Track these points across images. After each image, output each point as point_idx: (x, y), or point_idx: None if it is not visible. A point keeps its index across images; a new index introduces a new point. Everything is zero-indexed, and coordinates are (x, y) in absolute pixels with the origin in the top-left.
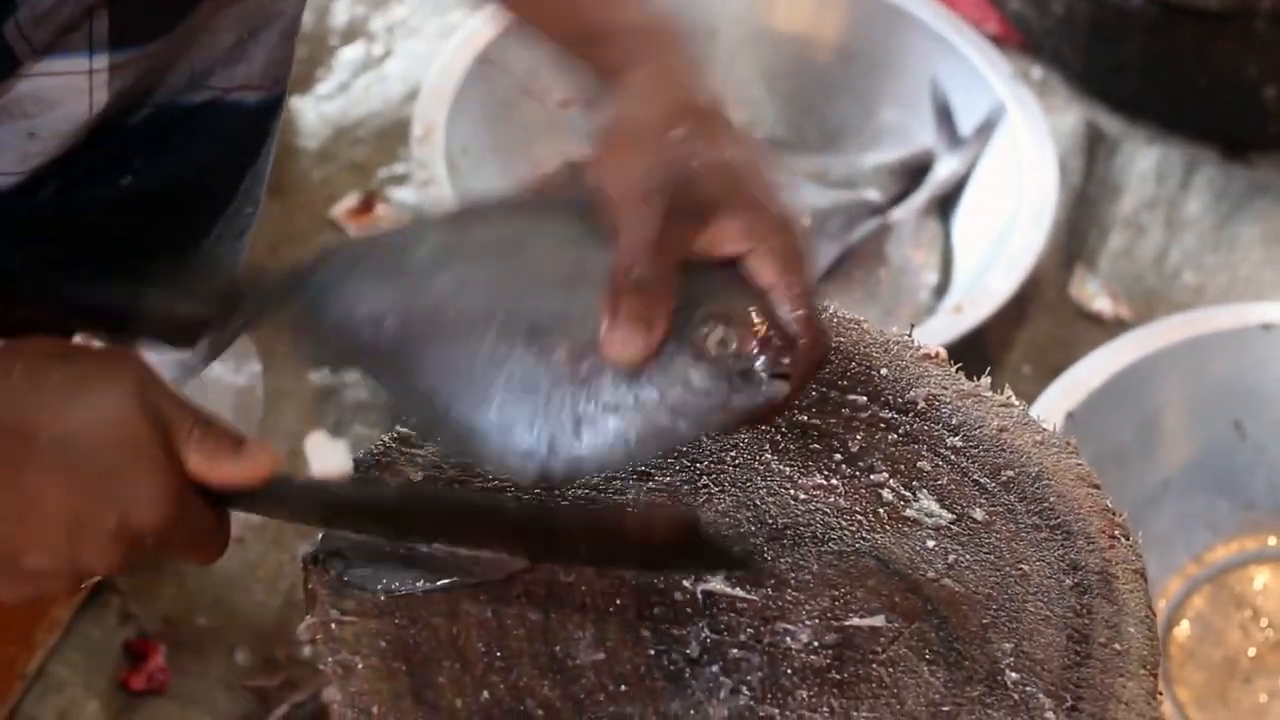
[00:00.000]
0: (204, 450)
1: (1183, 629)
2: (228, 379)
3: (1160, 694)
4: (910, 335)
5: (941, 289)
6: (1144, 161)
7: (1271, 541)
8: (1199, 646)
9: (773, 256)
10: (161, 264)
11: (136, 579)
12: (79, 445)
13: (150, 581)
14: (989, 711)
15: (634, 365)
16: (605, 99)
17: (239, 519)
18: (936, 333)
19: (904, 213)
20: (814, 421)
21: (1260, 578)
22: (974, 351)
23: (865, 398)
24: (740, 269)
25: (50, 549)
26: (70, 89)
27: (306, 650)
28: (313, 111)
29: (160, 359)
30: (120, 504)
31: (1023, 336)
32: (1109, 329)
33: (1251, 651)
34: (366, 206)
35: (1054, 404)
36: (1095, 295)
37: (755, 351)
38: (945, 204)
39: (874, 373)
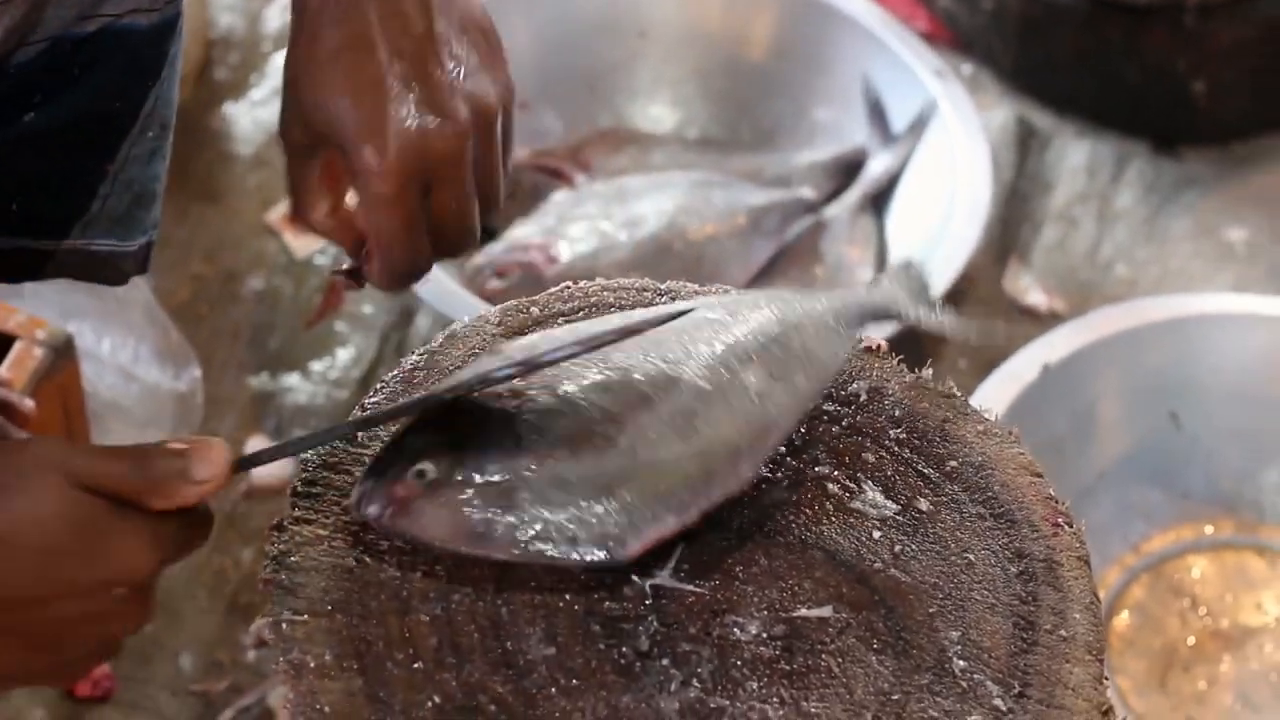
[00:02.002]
0: (158, 491)
1: (1122, 618)
2: (167, 385)
3: (1107, 679)
4: None
5: None
6: (1075, 156)
7: (1208, 530)
8: (1138, 636)
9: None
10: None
11: None
12: (39, 558)
13: None
14: (937, 699)
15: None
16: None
17: None
18: (873, 329)
19: (838, 210)
20: None
21: (1197, 567)
22: (910, 347)
23: None
24: None
25: (84, 643)
26: None
27: (251, 655)
28: (246, 117)
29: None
30: (113, 579)
31: None
32: (1043, 322)
33: (1190, 640)
34: None
35: (990, 397)
36: (1029, 289)
37: None
38: (879, 200)
39: None
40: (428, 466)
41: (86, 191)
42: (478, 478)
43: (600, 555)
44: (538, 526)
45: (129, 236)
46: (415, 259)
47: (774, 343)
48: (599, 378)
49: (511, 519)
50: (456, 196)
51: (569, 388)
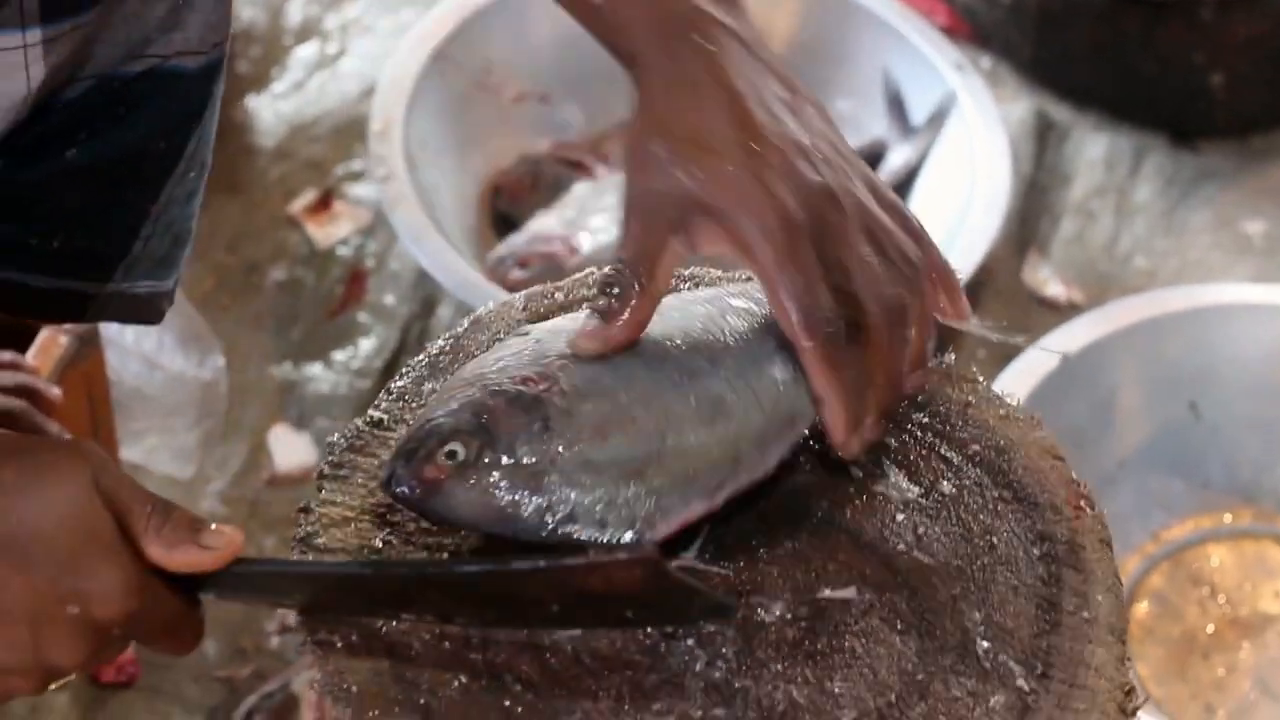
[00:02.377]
0: (163, 537)
1: (1141, 606)
2: (191, 373)
3: (1129, 659)
4: None
5: None
6: (1093, 149)
7: (1227, 519)
8: (1158, 624)
9: (748, 261)
10: (110, 235)
11: None
12: (35, 540)
13: None
14: (961, 680)
15: (591, 351)
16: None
17: (203, 513)
18: None
19: None
20: None
21: (1216, 555)
22: None
23: None
24: None
25: (13, 646)
26: (6, 65)
27: (274, 641)
28: (269, 110)
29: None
30: (81, 597)
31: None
32: (1062, 314)
33: (1209, 628)
34: (324, 203)
35: (1010, 387)
36: (1048, 281)
37: None
38: (899, 192)
39: None
40: (457, 447)
41: (130, 231)
42: (506, 459)
43: (628, 537)
44: (566, 508)
45: (167, 276)
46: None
47: None
48: (628, 362)
49: (540, 500)
50: (841, 257)
51: (598, 372)
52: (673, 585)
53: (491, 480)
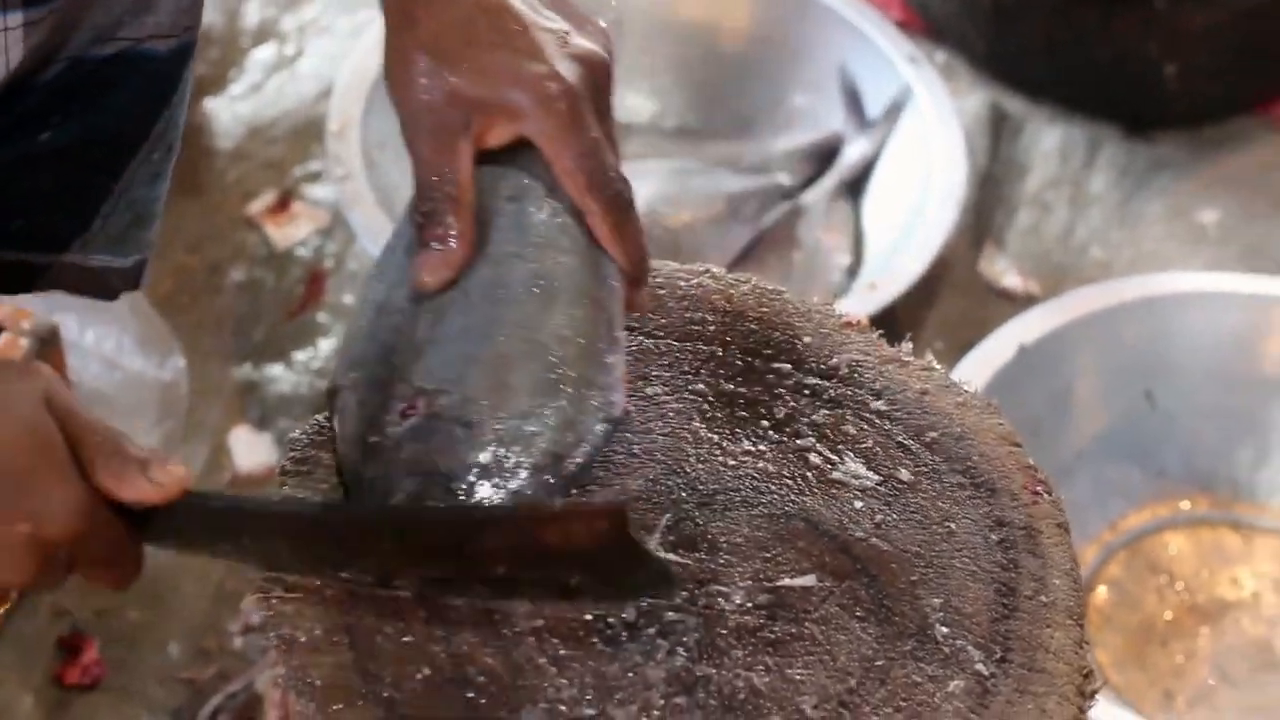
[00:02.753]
0: (112, 466)
1: (1100, 594)
2: (151, 374)
3: (1088, 643)
4: (831, 305)
5: (854, 270)
6: (1048, 141)
7: (1184, 507)
8: (1116, 611)
9: (541, 141)
10: (73, 213)
11: None
12: None
13: (81, 578)
14: (921, 665)
15: (438, 285)
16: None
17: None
18: (852, 311)
19: (815, 196)
20: (740, 389)
21: (1174, 543)
22: (888, 329)
23: (789, 365)
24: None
25: None
26: None
27: (238, 642)
28: (226, 112)
29: (85, 358)
30: (32, 515)
31: (934, 314)
32: (1019, 305)
33: (1168, 615)
34: (283, 204)
35: (967, 377)
36: (1004, 272)
37: None
38: (855, 186)
39: (797, 341)
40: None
41: (91, 209)
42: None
43: (604, 425)
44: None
45: (124, 254)
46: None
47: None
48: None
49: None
50: (609, 132)
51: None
52: (628, 544)
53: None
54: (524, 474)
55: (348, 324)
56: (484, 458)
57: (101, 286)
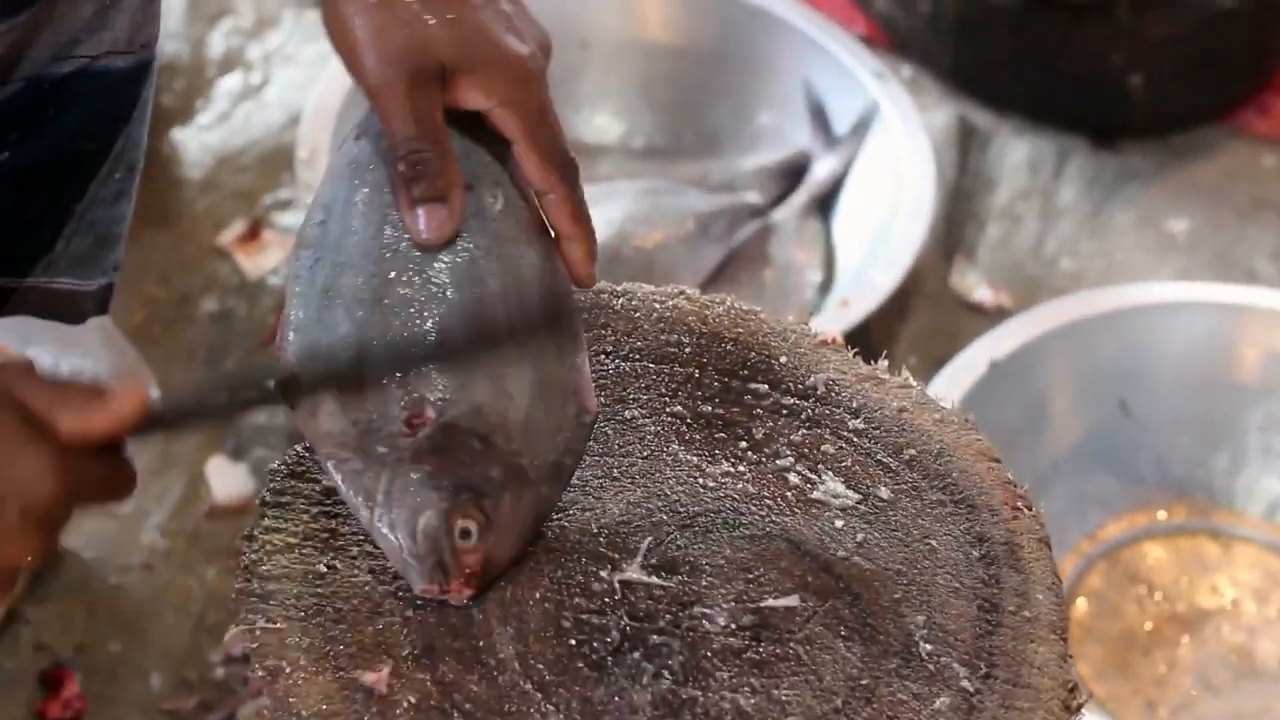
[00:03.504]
0: (71, 413)
1: (1080, 605)
2: None
3: (1071, 656)
4: (807, 324)
5: (825, 286)
6: (1016, 153)
7: (1161, 516)
8: (1096, 622)
9: (512, 113)
10: (32, 234)
11: (45, 609)
12: None
13: (60, 610)
14: (906, 683)
15: (445, 239)
16: None
17: (144, 546)
18: (825, 328)
19: (785, 213)
20: (718, 411)
21: (1153, 553)
22: (860, 345)
23: (766, 385)
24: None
25: None
26: None
27: (220, 672)
28: (194, 142)
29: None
30: (15, 495)
31: (907, 329)
32: (991, 318)
33: (1148, 625)
34: (253, 233)
35: (941, 392)
36: (976, 286)
37: None
38: (825, 203)
39: (774, 361)
40: (470, 526)
41: (52, 230)
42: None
43: (584, 428)
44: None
45: (89, 276)
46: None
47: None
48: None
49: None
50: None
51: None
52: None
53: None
54: (538, 483)
55: (287, 294)
56: (500, 471)
57: (68, 309)
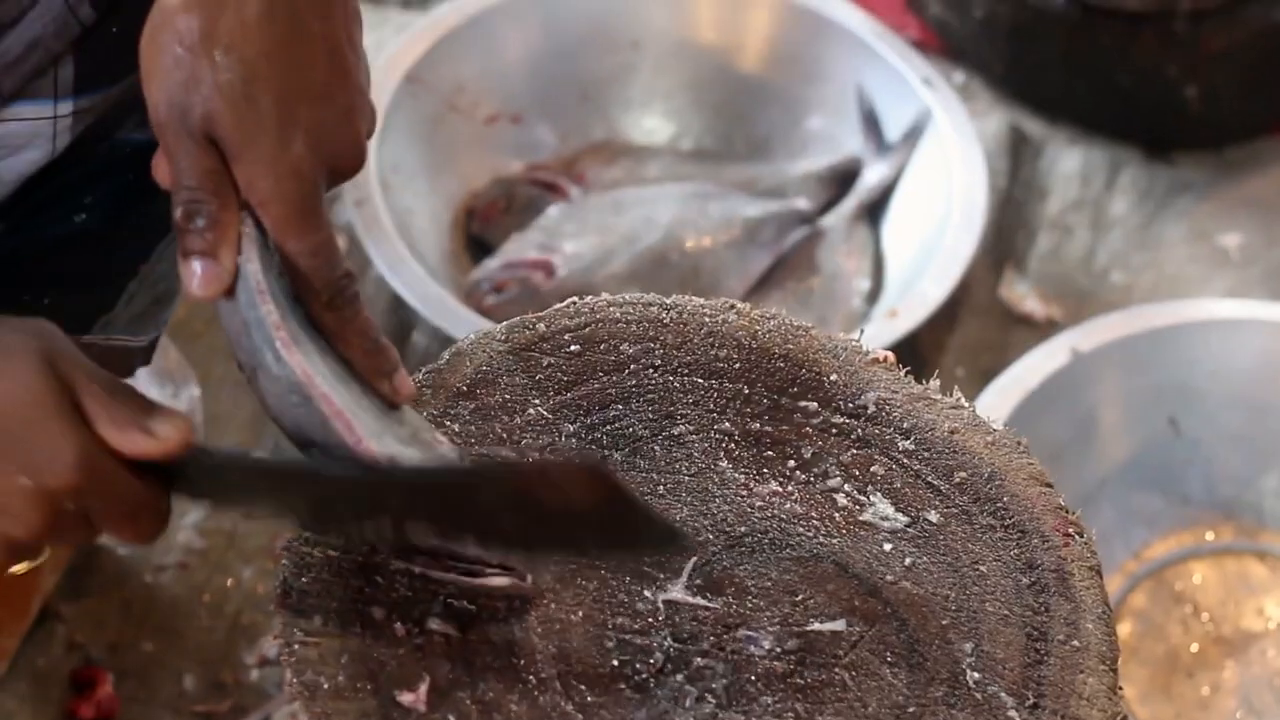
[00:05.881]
0: (113, 418)
1: (1124, 626)
2: (166, 403)
3: (1121, 688)
4: (858, 340)
5: (873, 295)
6: (1068, 163)
7: (1209, 536)
8: (1141, 643)
9: (268, 215)
10: (100, 292)
11: (80, 606)
12: None
13: (95, 609)
14: (952, 712)
15: (212, 298)
16: None
17: (180, 545)
18: (872, 339)
19: (834, 220)
20: (767, 429)
21: (1199, 573)
22: (908, 356)
23: (816, 404)
24: None
25: None
26: (34, 134)
27: (254, 674)
28: None
29: None
30: (29, 467)
31: (955, 340)
32: (1040, 330)
33: (1194, 647)
34: None
35: (991, 406)
36: (1025, 297)
37: None
38: (874, 210)
39: (824, 379)
40: None
41: (117, 289)
42: None
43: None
44: None
45: (143, 332)
46: None
47: None
48: None
49: None
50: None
51: None
52: (626, 502)
53: None
54: None
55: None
56: None
57: (119, 364)
